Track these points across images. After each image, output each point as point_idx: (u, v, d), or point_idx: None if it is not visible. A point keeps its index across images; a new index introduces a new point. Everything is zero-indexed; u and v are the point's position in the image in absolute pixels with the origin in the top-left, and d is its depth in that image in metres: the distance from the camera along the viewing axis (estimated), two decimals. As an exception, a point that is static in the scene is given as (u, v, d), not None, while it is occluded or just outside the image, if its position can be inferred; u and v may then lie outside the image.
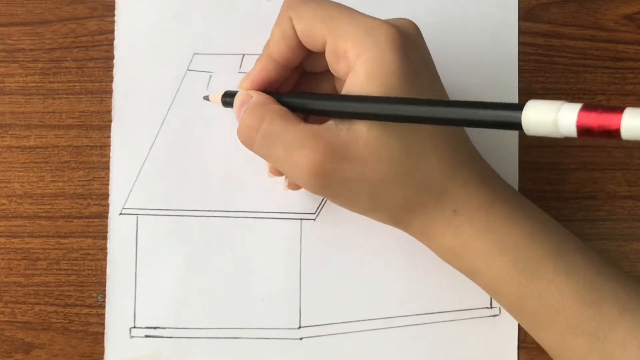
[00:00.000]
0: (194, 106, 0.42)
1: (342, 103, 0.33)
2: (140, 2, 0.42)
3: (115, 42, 0.42)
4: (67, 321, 0.41)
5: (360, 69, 0.33)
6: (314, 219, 0.42)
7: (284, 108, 0.35)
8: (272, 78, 0.37)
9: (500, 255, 0.35)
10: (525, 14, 0.43)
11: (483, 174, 0.36)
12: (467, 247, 0.35)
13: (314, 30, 0.34)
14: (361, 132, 0.33)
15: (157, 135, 0.42)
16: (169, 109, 0.42)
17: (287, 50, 0.36)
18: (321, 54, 0.35)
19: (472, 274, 0.36)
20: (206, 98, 0.41)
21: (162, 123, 0.42)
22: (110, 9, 0.42)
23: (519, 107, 0.27)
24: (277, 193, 0.42)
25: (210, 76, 0.42)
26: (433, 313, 0.42)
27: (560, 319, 0.34)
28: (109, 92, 0.42)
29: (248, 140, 0.35)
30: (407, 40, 0.34)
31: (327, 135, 0.33)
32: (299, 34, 0.35)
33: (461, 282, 0.41)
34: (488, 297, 0.42)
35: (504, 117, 0.28)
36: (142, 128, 0.42)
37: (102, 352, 0.41)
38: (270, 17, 0.42)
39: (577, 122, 0.25)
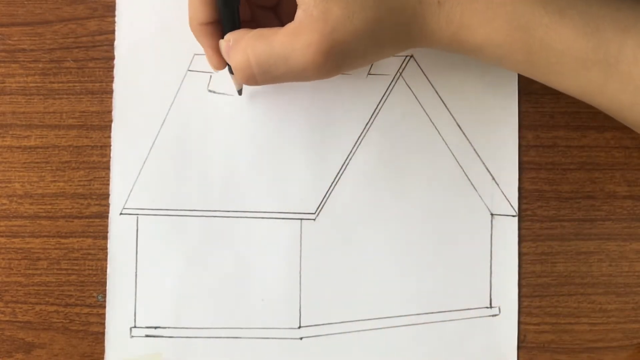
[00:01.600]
0: (194, 106, 0.42)
1: None
2: (140, 3, 0.42)
3: (116, 43, 0.42)
4: (67, 321, 0.41)
5: None
6: (314, 219, 0.42)
7: (256, 30, 0.36)
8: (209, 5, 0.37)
9: (493, 20, 0.35)
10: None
11: None
12: (462, 28, 0.35)
13: None
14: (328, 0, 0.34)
15: (157, 135, 0.42)
16: (169, 109, 0.42)
17: (205, 6, 0.37)
18: None
19: (478, 51, 0.37)
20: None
21: (163, 123, 0.42)
22: (110, 9, 0.42)
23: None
24: (277, 193, 0.42)
25: (211, 76, 0.42)
26: (433, 313, 0.42)
27: (568, 60, 0.35)
28: (109, 92, 0.42)
29: (249, 79, 0.36)
30: None
31: (304, 23, 0.34)
32: None
33: (461, 282, 0.42)
34: (488, 297, 0.42)
35: None
36: (143, 128, 0.42)
37: (102, 352, 0.41)
38: (270, 18, 0.42)
39: None
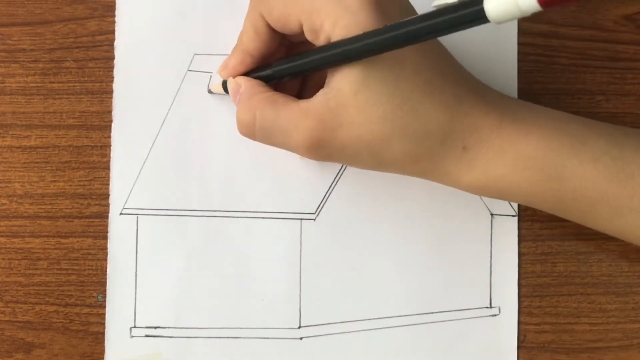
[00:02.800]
0: (194, 106, 0.42)
1: (322, 52, 0.34)
2: (140, 3, 0.42)
3: (116, 43, 0.42)
4: (67, 321, 0.41)
5: (339, 37, 0.33)
6: (314, 219, 0.42)
7: (271, 93, 0.36)
8: (250, 70, 0.38)
9: (522, 171, 0.34)
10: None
11: (485, 99, 0.35)
12: (486, 176, 0.35)
13: (288, 16, 0.35)
14: (348, 97, 0.33)
15: (157, 135, 0.42)
16: (169, 109, 0.42)
17: (262, 45, 0.37)
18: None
19: (502, 196, 0.36)
20: (210, 92, 0.42)
21: (163, 123, 0.42)
22: (110, 9, 0.42)
23: (479, 1, 0.28)
24: (277, 193, 0.42)
25: (211, 76, 0.42)
26: (433, 313, 0.42)
27: (602, 207, 0.34)
28: (109, 92, 0.42)
29: (249, 135, 0.36)
30: None
31: (317, 108, 0.34)
32: (273, 25, 0.36)
33: (461, 282, 0.42)
34: (488, 297, 0.42)
35: (469, 15, 0.29)
36: (143, 128, 0.42)
37: (102, 352, 0.41)
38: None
39: None
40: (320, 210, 0.42)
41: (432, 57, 0.35)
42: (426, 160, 0.35)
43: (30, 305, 0.42)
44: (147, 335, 0.41)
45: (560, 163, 0.34)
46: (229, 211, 0.42)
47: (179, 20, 0.42)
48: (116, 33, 0.42)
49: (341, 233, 0.42)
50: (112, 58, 0.42)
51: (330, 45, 0.34)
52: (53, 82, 0.42)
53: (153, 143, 0.42)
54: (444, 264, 0.42)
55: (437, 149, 0.34)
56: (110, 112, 0.42)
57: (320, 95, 0.34)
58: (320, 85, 0.35)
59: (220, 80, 0.40)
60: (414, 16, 0.31)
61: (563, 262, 0.42)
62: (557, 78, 0.42)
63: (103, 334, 0.41)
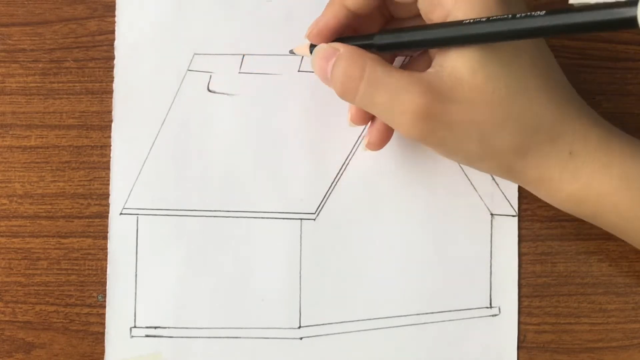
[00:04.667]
0: (194, 106, 0.42)
1: (441, 29, 0.32)
2: (140, 3, 0.42)
3: (116, 43, 0.42)
4: (67, 321, 0.41)
5: (459, 13, 0.31)
6: (314, 219, 0.42)
7: (380, 57, 0.34)
8: (343, 28, 0.35)
9: (626, 190, 0.33)
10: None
11: (591, 113, 0.34)
12: (589, 189, 0.33)
13: None
14: (465, 75, 0.32)
15: (157, 135, 0.42)
16: (169, 109, 0.42)
17: None
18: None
19: (595, 217, 0.35)
20: (292, 52, 0.39)
21: (163, 123, 0.42)
22: (110, 9, 0.42)
23: (632, 3, 0.26)
24: (277, 193, 0.42)
25: (211, 76, 0.42)
26: (433, 313, 0.42)
27: None
28: (109, 92, 0.42)
29: (350, 90, 0.33)
30: None
31: (431, 79, 0.32)
32: None
33: (461, 282, 0.42)
34: (488, 297, 0.42)
35: (616, 14, 0.27)
36: (143, 128, 0.42)
37: (102, 352, 0.41)
38: (270, 17, 0.42)
39: None
40: (320, 210, 0.42)
41: (546, 59, 0.34)
42: (532, 158, 0.33)
43: (30, 305, 0.42)
44: (147, 335, 0.41)
45: None
46: (228, 211, 0.42)
47: (179, 20, 0.42)
48: (116, 33, 0.42)
49: (341, 233, 0.42)
50: (112, 58, 0.42)
51: (451, 23, 0.32)
52: (53, 82, 0.42)
53: (153, 143, 0.42)
54: (444, 264, 0.42)
55: (546, 146, 0.33)
56: (110, 112, 0.42)
57: (432, 72, 0.32)
58: (414, 68, 0.33)
59: (308, 43, 0.37)
60: (552, 9, 0.29)
61: (563, 262, 0.42)
62: (557, 78, 0.42)
63: (103, 334, 0.41)
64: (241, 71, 0.42)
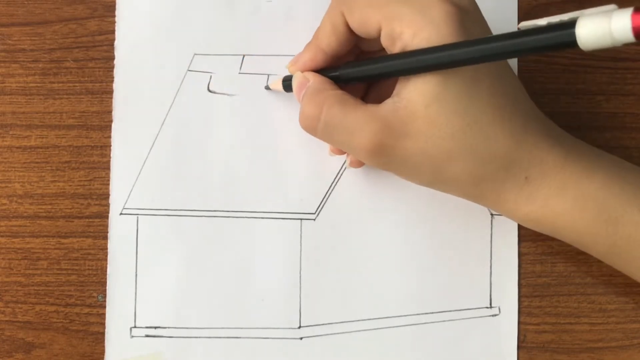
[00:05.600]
0: (194, 106, 0.42)
1: (392, 61, 0.33)
2: (140, 3, 0.42)
3: (116, 43, 0.42)
4: (67, 321, 0.41)
5: (416, 45, 0.33)
6: (314, 219, 0.42)
7: (340, 92, 0.35)
8: (320, 66, 0.37)
9: (581, 211, 0.34)
10: (525, 14, 0.43)
11: (551, 133, 0.35)
12: (544, 210, 0.34)
13: (368, 19, 0.34)
14: (419, 108, 0.33)
15: (157, 135, 0.42)
16: (169, 110, 0.42)
17: (337, 44, 0.36)
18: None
19: (555, 233, 0.36)
20: (267, 88, 0.41)
21: (163, 123, 0.42)
22: (110, 9, 0.42)
23: (571, 25, 0.27)
24: (277, 193, 0.42)
25: (211, 77, 0.42)
26: (433, 313, 0.42)
27: None
28: (109, 92, 0.42)
29: (310, 129, 0.36)
30: (464, 14, 0.33)
31: (385, 114, 0.33)
32: (352, 25, 0.35)
33: (461, 282, 0.42)
34: (488, 297, 0.42)
35: (558, 38, 0.28)
36: (143, 128, 0.42)
37: (102, 352, 0.41)
38: (270, 17, 0.42)
39: (633, 24, 0.26)
40: (320, 210, 0.42)
41: (507, 85, 0.34)
42: (487, 184, 0.35)
43: (30, 305, 0.42)
44: (147, 335, 0.41)
45: (619, 208, 0.34)
46: (228, 211, 0.42)
47: (179, 20, 0.42)
48: (116, 33, 0.42)
49: (341, 233, 0.42)
50: (112, 58, 0.42)
51: (406, 53, 0.33)
52: (53, 82, 0.42)
53: (153, 143, 0.42)
54: (444, 264, 0.42)
55: (500, 174, 0.34)
56: (110, 112, 0.42)
57: (389, 103, 0.34)
58: (383, 96, 0.35)
59: (281, 78, 0.40)
60: (500, 34, 0.30)
61: (563, 262, 0.42)
62: (557, 78, 0.42)
63: (103, 334, 0.41)
64: (241, 71, 0.42)
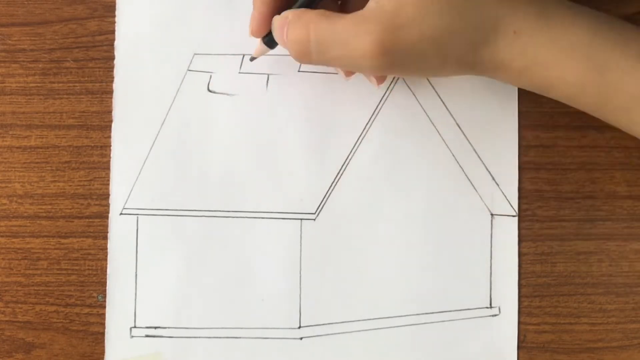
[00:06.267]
0: (194, 106, 0.42)
1: None
2: (140, 3, 0.42)
3: (116, 43, 0.42)
4: (67, 321, 0.41)
5: None
6: (314, 219, 0.42)
7: (322, 10, 0.35)
8: (275, 10, 0.37)
9: (569, 59, 0.35)
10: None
11: None
12: (536, 62, 0.35)
13: None
14: None
15: (157, 135, 0.42)
16: (169, 109, 0.42)
17: None
18: None
19: (548, 88, 0.36)
20: (252, 59, 0.40)
21: (162, 123, 0.42)
22: (110, 9, 0.42)
23: None
24: (277, 193, 0.42)
25: (211, 76, 0.42)
26: (433, 313, 0.42)
27: None
28: (109, 92, 0.42)
29: (303, 54, 0.36)
30: None
31: (374, 14, 0.34)
32: None
33: (461, 282, 0.42)
34: (488, 297, 0.42)
35: None
36: (143, 128, 0.42)
37: (102, 352, 0.41)
38: (270, 18, 0.42)
39: None
40: (320, 210, 0.42)
41: None
42: (483, 49, 0.35)
43: (30, 305, 0.42)
44: (147, 335, 0.41)
45: (604, 54, 0.35)
46: (228, 211, 0.42)
47: (179, 20, 0.42)
48: (116, 33, 0.42)
49: (341, 233, 0.42)
50: (112, 58, 0.42)
51: None
52: (53, 82, 0.42)
53: (153, 143, 0.42)
54: (444, 264, 0.42)
55: (491, 35, 0.35)
56: (110, 112, 0.42)
57: (372, 3, 0.34)
58: (359, 5, 0.35)
59: (259, 41, 0.39)
60: None
61: (563, 262, 0.42)
62: (557, 78, 0.42)
63: (103, 334, 0.41)
64: (241, 71, 0.42)
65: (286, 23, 0.36)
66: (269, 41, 0.38)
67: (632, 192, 0.42)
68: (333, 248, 0.42)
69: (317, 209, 0.42)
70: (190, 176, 0.42)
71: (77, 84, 0.42)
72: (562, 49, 0.35)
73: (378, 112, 0.42)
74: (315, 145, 0.42)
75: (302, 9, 0.36)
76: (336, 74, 0.42)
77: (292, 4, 0.37)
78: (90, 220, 0.42)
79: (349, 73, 0.40)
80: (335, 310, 0.41)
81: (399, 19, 0.34)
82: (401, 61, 0.35)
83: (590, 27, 0.35)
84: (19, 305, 0.42)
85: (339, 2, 0.40)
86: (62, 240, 0.42)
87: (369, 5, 0.34)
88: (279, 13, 0.37)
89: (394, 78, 0.42)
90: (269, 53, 0.39)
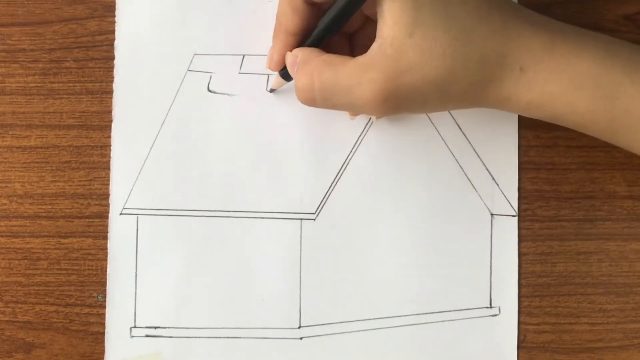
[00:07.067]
0: (194, 106, 0.42)
1: None
2: (140, 3, 0.42)
3: (116, 43, 0.42)
4: (67, 321, 0.41)
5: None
6: (314, 219, 0.42)
7: (326, 55, 0.36)
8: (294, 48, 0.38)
9: (577, 90, 0.35)
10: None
11: (530, 21, 0.36)
12: (543, 96, 0.35)
13: None
14: (404, 41, 0.33)
15: (157, 135, 0.42)
16: (169, 109, 0.42)
17: (301, 21, 0.37)
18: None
19: (558, 118, 0.36)
20: (272, 90, 0.42)
21: (162, 123, 0.42)
22: (110, 9, 0.42)
23: None
24: (277, 193, 0.42)
25: (211, 76, 0.42)
26: (433, 313, 0.42)
27: None
28: (109, 92, 0.42)
29: (309, 100, 0.36)
30: None
31: (375, 60, 0.34)
32: None
33: (461, 282, 0.42)
34: (488, 297, 0.42)
35: None
36: (143, 128, 0.42)
37: (102, 352, 0.41)
38: (270, 17, 0.42)
39: None
40: (320, 210, 0.42)
41: None
42: (489, 86, 0.35)
43: (30, 305, 0.42)
44: (147, 335, 0.41)
45: (613, 82, 0.35)
46: (228, 211, 0.42)
47: (179, 20, 0.42)
48: (116, 33, 0.42)
49: (341, 233, 0.42)
50: (112, 58, 0.42)
51: None
52: (53, 82, 0.42)
53: (153, 143, 0.42)
54: (444, 264, 0.42)
55: (497, 72, 0.35)
56: (110, 112, 0.42)
57: (375, 47, 0.34)
58: (369, 43, 0.35)
59: (277, 74, 0.40)
60: None
61: (563, 262, 0.42)
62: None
63: (103, 334, 0.41)
64: (241, 71, 0.42)
65: (296, 62, 0.37)
66: (285, 74, 0.39)
67: (632, 192, 0.42)
68: (333, 248, 0.42)
69: (317, 209, 0.42)
70: (190, 176, 0.42)
71: (77, 84, 0.42)
72: (570, 80, 0.35)
73: (378, 112, 0.42)
74: (315, 145, 0.42)
75: (309, 51, 0.36)
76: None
77: (306, 40, 0.37)
78: (90, 220, 0.42)
79: (353, 114, 0.41)
80: (335, 310, 0.41)
81: (401, 63, 0.33)
82: (405, 105, 0.35)
83: (598, 55, 0.35)
84: (19, 305, 0.42)
85: (349, 37, 0.40)
86: (62, 240, 0.42)
87: (372, 48, 0.34)
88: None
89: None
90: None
